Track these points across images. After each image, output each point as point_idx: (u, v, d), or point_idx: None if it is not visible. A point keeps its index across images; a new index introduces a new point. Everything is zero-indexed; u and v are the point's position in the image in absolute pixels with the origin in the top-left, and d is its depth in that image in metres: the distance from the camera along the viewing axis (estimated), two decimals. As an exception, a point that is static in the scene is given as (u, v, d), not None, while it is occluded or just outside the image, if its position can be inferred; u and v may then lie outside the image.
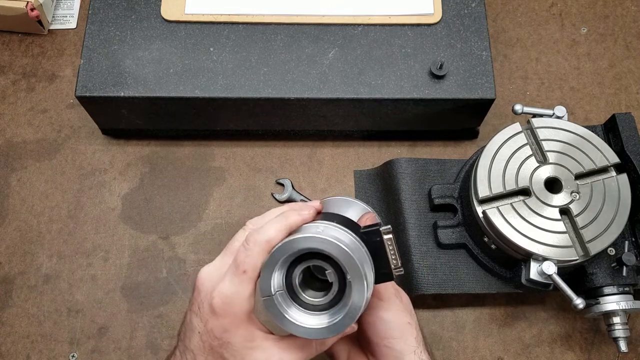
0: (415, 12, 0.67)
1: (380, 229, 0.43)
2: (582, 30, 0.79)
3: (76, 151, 0.72)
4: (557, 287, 0.55)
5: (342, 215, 0.47)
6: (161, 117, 0.68)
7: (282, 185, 0.70)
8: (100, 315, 0.65)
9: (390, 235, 0.43)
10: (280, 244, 0.40)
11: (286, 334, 0.42)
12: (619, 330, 0.58)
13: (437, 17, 0.67)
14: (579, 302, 0.54)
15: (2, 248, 0.67)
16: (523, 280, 0.57)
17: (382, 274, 0.43)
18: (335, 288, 0.41)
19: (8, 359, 0.63)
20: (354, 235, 0.43)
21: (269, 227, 0.42)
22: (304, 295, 0.42)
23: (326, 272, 0.41)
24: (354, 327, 0.44)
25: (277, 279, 0.41)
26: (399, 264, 0.44)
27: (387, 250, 0.43)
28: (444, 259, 0.64)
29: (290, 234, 0.42)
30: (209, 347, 0.41)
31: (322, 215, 0.47)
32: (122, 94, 0.63)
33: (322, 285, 0.43)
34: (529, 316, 0.65)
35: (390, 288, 0.48)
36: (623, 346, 0.58)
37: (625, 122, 0.62)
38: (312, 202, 0.47)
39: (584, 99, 0.75)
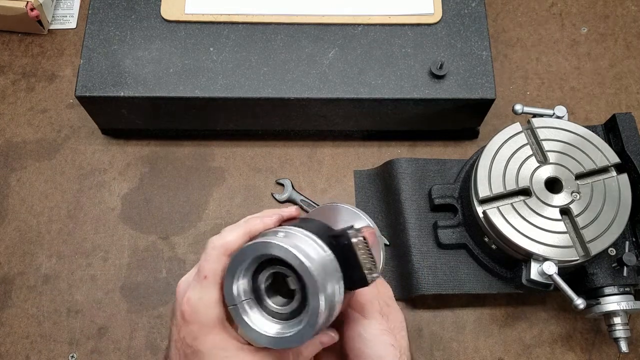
0: (415, 12, 0.67)
1: (349, 231, 0.40)
2: (582, 30, 0.79)
3: (76, 151, 0.72)
4: (557, 288, 0.55)
5: (317, 221, 0.44)
6: (161, 117, 0.68)
7: (282, 185, 0.70)
8: (99, 316, 0.64)
9: (361, 238, 0.40)
10: (236, 252, 0.39)
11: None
12: (620, 331, 0.58)
13: (437, 17, 0.67)
14: (580, 302, 0.53)
15: (1, 248, 0.67)
16: (523, 281, 0.57)
17: (356, 280, 0.41)
18: (298, 297, 0.39)
19: (7, 359, 0.63)
20: (319, 241, 0.40)
21: (228, 232, 0.41)
22: (269, 302, 0.40)
23: (287, 278, 0.39)
24: (334, 337, 0.42)
25: (242, 286, 0.39)
26: (376, 268, 0.41)
27: (358, 254, 0.40)
28: (444, 259, 0.63)
29: (251, 239, 0.41)
30: (183, 355, 0.41)
31: (297, 221, 0.45)
32: (122, 94, 0.63)
33: (291, 292, 0.41)
34: (529, 316, 0.65)
35: (375, 304, 0.45)
36: (624, 346, 0.57)
37: (625, 122, 0.62)
38: (287, 209, 0.46)
39: (584, 99, 0.75)
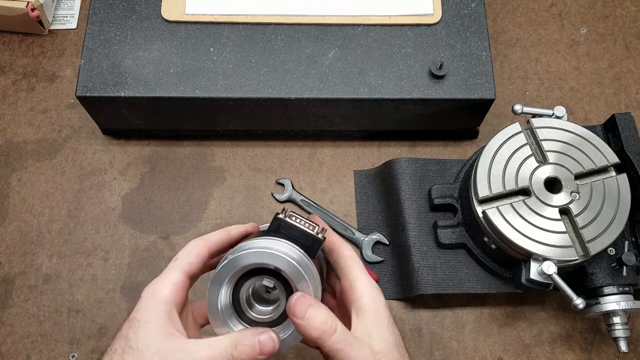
0: (415, 12, 0.68)
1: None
2: (581, 30, 0.79)
3: (76, 151, 0.72)
4: (557, 287, 0.55)
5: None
6: (161, 117, 0.68)
7: (282, 185, 0.70)
8: (100, 315, 0.65)
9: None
10: (226, 261, 0.40)
11: None
12: (619, 330, 0.58)
13: (437, 18, 0.67)
14: (579, 302, 0.54)
15: (2, 248, 0.67)
16: (523, 280, 0.57)
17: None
18: (282, 304, 0.41)
19: (8, 359, 0.63)
20: (299, 249, 0.42)
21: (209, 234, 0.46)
22: (250, 312, 0.42)
23: (269, 288, 0.40)
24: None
25: (224, 294, 0.40)
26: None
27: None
28: (444, 259, 0.64)
29: (233, 250, 0.42)
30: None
31: (267, 232, 0.45)
32: (122, 94, 0.63)
33: (272, 301, 0.43)
34: (529, 316, 0.65)
35: (358, 262, 0.45)
36: (623, 346, 0.58)
37: (624, 122, 0.62)
38: (247, 225, 0.48)
39: (583, 99, 0.75)
